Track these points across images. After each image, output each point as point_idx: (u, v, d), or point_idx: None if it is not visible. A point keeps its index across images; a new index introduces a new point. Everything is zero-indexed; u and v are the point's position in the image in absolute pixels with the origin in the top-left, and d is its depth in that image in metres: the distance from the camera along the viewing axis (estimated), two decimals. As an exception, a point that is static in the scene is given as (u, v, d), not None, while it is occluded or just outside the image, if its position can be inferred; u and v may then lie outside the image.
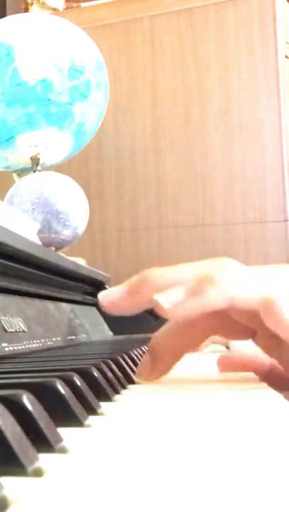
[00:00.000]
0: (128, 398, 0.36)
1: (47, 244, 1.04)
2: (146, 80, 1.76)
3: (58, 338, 0.71)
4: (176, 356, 0.43)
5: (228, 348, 0.75)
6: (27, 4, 1.84)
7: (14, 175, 1.29)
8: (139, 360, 0.50)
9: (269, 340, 0.41)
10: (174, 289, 0.37)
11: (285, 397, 0.38)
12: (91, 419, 0.27)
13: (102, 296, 0.41)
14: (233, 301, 0.38)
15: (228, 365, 0.48)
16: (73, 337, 0.78)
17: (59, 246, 1.10)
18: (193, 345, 0.44)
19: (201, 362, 0.59)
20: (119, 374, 0.40)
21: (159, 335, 0.43)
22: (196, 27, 1.72)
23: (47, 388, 0.26)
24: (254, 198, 1.65)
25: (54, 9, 1.85)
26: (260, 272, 0.40)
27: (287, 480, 0.18)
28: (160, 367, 0.42)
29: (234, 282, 0.38)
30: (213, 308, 0.38)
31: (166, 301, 0.37)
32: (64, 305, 0.82)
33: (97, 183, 1.78)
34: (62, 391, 0.26)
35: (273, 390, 0.38)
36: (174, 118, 1.73)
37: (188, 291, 0.37)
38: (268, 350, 0.43)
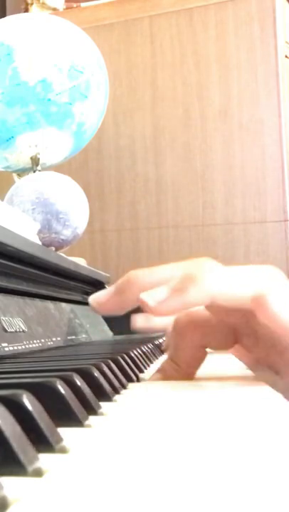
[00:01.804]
0: (128, 398, 0.36)
1: (47, 244, 1.04)
2: (146, 79, 1.76)
3: (58, 338, 0.71)
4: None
5: None
6: (27, 4, 1.84)
7: (14, 175, 1.29)
8: (139, 360, 0.50)
9: (248, 339, 0.44)
10: (158, 288, 0.40)
11: (285, 397, 0.38)
12: (91, 419, 0.27)
13: (92, 298, 0.45)
14: (214, 298, 0.40)
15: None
16: (73, 337, 0.78)
17: (59, 246, 1.10)
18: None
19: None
20: (119, 374, 0.40)
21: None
22: (196, 27, 1.72)
23: (47, 388, 0.26)
24: (254, 198, 1.65)
25: (54, 9, 1.85)
26: (241, 270, 0.42)
27: (286, 478, 0.18)
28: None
29: (215, 279, 0.40)
30: (194, 304, 0.40)
31: (151, 299, 0.39)
32: (64, 305, 0.82)
33: (97, 183, 1.78)
34: (63, 391, 0.26)
35: (272, 389, 0.38)
36: (174, 118, 1.73)
37: (172, 289, 0.40)
38: (247, 348, 0.45)
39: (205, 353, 0.46)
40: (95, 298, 0.45)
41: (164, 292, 0.39)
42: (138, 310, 0.42)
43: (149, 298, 0.39)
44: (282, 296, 0.39)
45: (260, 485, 0.17)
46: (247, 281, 0.40)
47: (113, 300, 0.43)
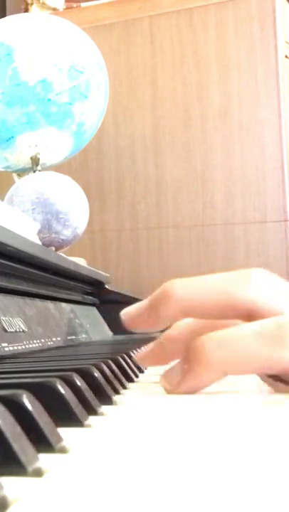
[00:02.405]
0: (128, 398, 0.36)
1: (47, 244, 1.04)
2: (146, 79, 1.76)
3: (58, 338, 0.71)
4: None
5: None
6: (27, 4, 1.84)
7: (14, 175, 1.29)
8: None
9: None
10: (174, 369, 0.37)
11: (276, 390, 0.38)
12: (91, 419, 0.27)
13: (123, 313, 0.41)
14: (186, 310, 0.38)
15: None
16: (73, 337, 0.78)
17: (59, 246, 1.10)
18: None
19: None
20: (119, 374, 0.40)
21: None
22: (196, 27, 1.72)
23: (47, 388, 0.26)
24: (254, 198, 1.65)
25: (54, 9, 1.85)
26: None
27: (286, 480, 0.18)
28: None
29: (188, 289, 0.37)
30: (165, 316, 0.38)
31: (167, 383, 0.37)
32: (64, 305, 0.82)
33: (97, 183, 1.78)
34: (62, 391, 0.26)
35: (274, 391, 0.38)
36: (174, 118, 1.73)
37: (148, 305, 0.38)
38: None
39: None
40: (127, 312, 0.40)
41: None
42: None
43: (165, 383, 0.37)
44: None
45: (260, 484, 0.17)
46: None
47: (147, 315, 0.39)
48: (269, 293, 0.37)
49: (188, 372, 0.35)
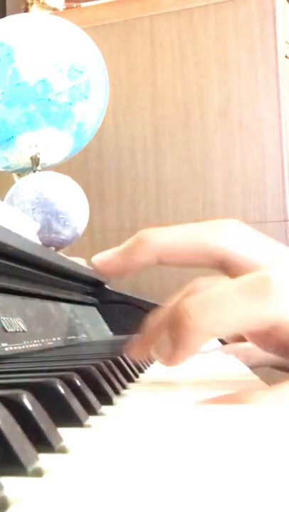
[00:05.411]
0: (128, 398, 0.36)
1: (47, 244, 1.04)
2: (146, 80, 1.76)
3: (58, 338, 0.71)
4: None
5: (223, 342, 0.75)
6: (27, 4, 1.84)
7: (14, 175, 1.29)
8: (140, 360, 0.50)
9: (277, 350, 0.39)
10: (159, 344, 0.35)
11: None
12: (91, 419, 0.27)
13: (95, 257, 0.40)
14: (160, 255, 0.37)
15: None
16: (73, 337, 0.78)
17: (59, 246, 1.10)
18: None
19: (200, 362, 0.59)
20: (120, 374, 0.40)
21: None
22: (196, 27, 1.72)
23: (47, 388, 0.26)
24: (254, 198, 1.65)
25: (54, 9, 1.85)
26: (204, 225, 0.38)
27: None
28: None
29: (162, 235, 0.37)
30: (139, 262, 0.38)
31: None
32: (64, 305, 0.82)
33: (97, 183, 1.78)
34: (63, 391, 0.26)
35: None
36: (174, 118, 1.73)
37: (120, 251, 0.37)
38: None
39: None
40: (99, 258, 0.40)
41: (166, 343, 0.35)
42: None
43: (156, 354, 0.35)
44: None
45: (260, 488, 0.17)
46: (203, 237, 0.36)
47: (119, 260, 0.39)
48: (242, 242, 0.36)
49: (176, 341, 0.34)
